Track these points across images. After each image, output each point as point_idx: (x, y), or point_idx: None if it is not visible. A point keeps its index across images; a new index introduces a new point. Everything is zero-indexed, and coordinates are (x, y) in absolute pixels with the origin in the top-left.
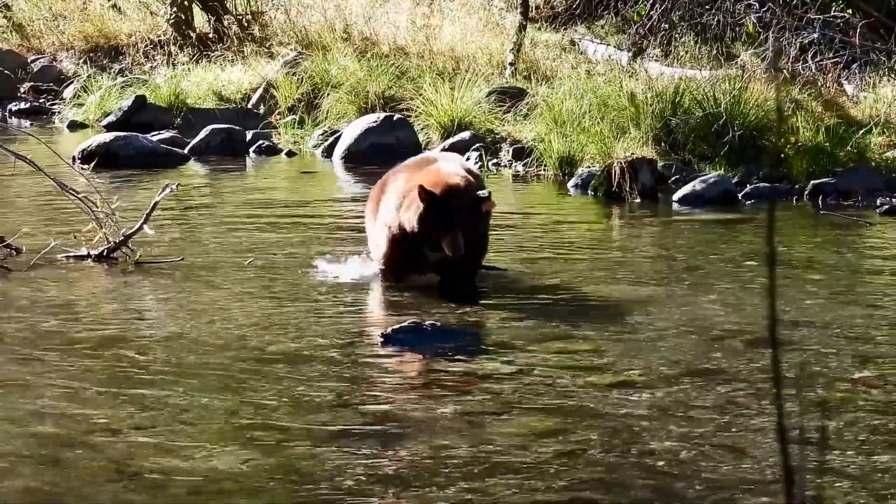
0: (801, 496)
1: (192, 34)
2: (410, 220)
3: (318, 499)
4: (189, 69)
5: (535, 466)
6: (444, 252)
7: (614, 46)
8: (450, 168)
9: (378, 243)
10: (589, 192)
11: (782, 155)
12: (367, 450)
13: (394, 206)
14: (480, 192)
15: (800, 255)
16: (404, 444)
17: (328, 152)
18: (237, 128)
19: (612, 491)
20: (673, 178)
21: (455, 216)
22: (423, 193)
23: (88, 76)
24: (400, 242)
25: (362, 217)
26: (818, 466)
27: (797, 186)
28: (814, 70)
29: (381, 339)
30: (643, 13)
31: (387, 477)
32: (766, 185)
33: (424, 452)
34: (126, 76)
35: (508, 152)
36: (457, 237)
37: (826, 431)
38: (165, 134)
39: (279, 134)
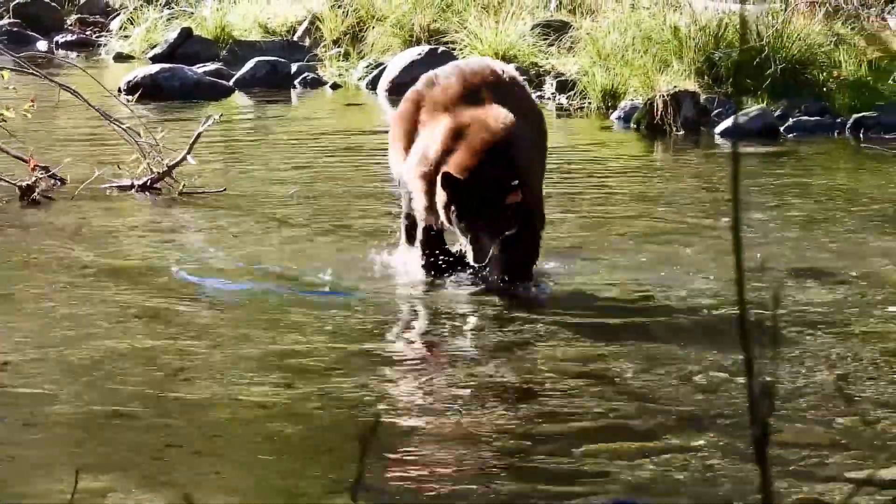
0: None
1: None
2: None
3: (358, 424)
4: (235, 1)
5: (571, 392)
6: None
7: None
8: (496, 124)
9: (412, 189)
10: (632, 124)
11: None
12: (407, 378)
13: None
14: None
15: (841, 187)
16: (444, 372)
17: (373, 85)
18: (282, 60)
19: (646, 415)
20: (715, 112)
21: (480, 213)
22: (444, 182)
23: (135, 8)
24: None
25: None
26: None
27: (839, 120)
28: (857, 4)
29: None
30: None
31: (426, 402)
32: (809, 118)
33: (470, 380)
34: (172, 8)
35: (552, 85)
36: (482, 243)
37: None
38: (211, 66)
39: (324, 66)
